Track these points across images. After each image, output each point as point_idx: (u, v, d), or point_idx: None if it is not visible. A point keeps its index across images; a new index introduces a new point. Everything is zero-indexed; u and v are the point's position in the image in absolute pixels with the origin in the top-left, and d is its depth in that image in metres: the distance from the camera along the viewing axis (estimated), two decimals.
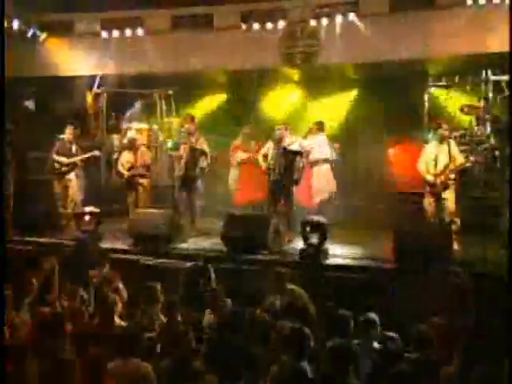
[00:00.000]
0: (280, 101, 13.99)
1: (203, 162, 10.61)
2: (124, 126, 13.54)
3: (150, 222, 9.94)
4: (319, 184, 11.02)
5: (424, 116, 11.77)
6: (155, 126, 13.61)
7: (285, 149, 10.05)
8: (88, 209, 10.35)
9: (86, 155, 11.54)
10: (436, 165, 9.20)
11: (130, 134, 11.90)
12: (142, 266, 9.25)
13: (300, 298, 7.58)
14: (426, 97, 11.81)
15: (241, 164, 12.36)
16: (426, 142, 11.22)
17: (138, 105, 13.85)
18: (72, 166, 11.45)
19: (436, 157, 9.22)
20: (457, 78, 11.48)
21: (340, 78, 13.19)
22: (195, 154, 10.56)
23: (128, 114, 13.83)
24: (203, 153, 10.59)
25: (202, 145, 10.64)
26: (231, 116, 13.91)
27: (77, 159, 11.44)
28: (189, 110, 12.73)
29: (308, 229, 8.80)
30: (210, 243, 9.92)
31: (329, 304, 6.73)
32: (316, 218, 8.92)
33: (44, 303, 7.26)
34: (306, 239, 8.84)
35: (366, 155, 12.74)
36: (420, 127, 11.83)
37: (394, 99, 12.76)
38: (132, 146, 11.43)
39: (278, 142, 10.21)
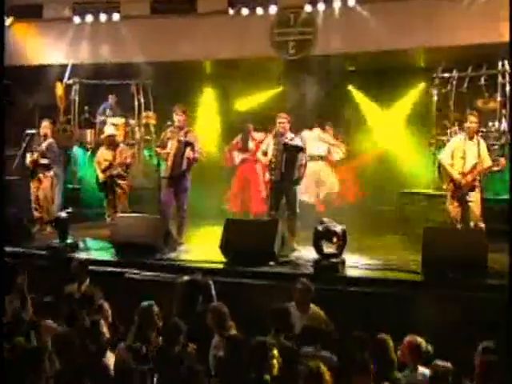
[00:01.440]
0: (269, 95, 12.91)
1: (190, 153, 9.34)
2: (98, 120, 12.29)
3: (135, 229, 8.72)
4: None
5: (432, 112, 10.84)
6: (132, 122, 12.37)
7: (286, 144, 8.94)
8: (63, 213, 9.08)
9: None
10: (465, 163, 8.20)
11: (109, 129, 10.62)
12: (127, 280, 8.05)
13: (318, 318, 6.55)
14: (434, 90, 10.82)
15: (238, 166, 11.29)
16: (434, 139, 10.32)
17: (113, 97, 12.54)
18: (45, 165, 10.22)
19: (464, 153, 8.22)
20: (470, 70, 10.50)
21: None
22: (184, 147, 9.37)
23: (102, 107, 12.52)
24: (190, 144, 9.38)
25: (192, 138, 9.50)
26: (217, 111, 12.80)
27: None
28: (169, 105, 11.47)
29: (323, 236, 7.71)
30: (206, 252, 8.73)
31: (358, 334, 5.60)
32: (332, 224, 7.81)
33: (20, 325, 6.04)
34: (319, 249, 7.74)
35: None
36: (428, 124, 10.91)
37: (396, 93, 11.83)
38: (111, 143, 10.21)
39: (280, 135, 9.10)
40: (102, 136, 10.61)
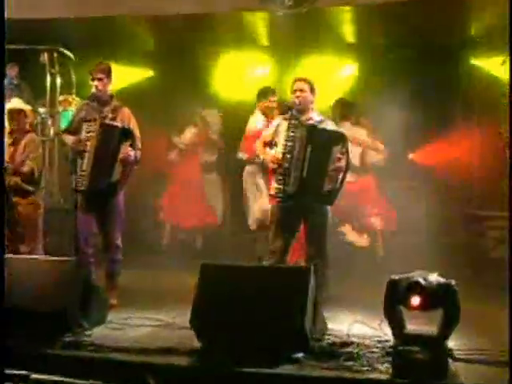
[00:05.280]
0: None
1: (128, 150, 5.41)
2: None
3: (30, 284, 4.56)
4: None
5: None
6: (42, 110, 8.17)
7: (312, 128, 5.01)
8: None
9: None
10: None
11: (14, 101, 6.56)
12: None
13: None
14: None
15: None
16: None
17: (13, 68, 8.34)
18: None
19: None
20: None
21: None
22: (113, 136, 5.37)
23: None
24: (126, 132, 5.38)
25: (126, 120, 5.59)
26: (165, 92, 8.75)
27: None
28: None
29: (405, 297, 3.79)
30: (163, 329, 4.67)
31: None
32: (421, 274, 3.83)
33: None
34: (397, 324, 3.80)
35: None
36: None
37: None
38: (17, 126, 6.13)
39: (298, 113, 5.15)
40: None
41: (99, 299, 4.82)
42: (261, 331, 4.01)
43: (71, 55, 8.34)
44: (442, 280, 3.91)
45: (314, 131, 4.99)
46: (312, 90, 5.25)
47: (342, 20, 8.00)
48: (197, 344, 4.15)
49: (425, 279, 3.83)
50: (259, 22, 8.18)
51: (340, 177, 5.00)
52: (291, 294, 4.10)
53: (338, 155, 4.95)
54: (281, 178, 4.92)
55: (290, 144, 4.97)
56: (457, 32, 7.94)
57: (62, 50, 8.24)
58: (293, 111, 5.09)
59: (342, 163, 4.97)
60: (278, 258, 5.05)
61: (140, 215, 8.42)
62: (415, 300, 3.82)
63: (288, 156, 4.95)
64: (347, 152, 4.99)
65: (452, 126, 8.08)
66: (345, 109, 7.32)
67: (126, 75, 8.86)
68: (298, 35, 8.05)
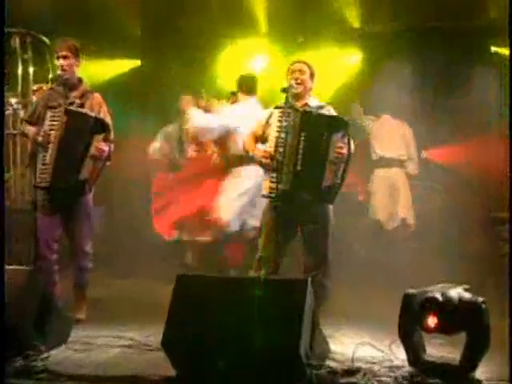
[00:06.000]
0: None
1: (101, 143, 4.70)
2: None
3: None
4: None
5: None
6: (13, 100, 7.44)
7: (306, 113, 4.33)
8: None
9: None
10: None
11: None
12: None
13: None
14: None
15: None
16: None
17: None
18: None
19: None
20: None
21: None
22: (83, 127, 4.65)
23: None
24: (102, 125, 4.70)
25: (96, 106, 4.88)
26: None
27: None
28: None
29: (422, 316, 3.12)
30: (133, 351, 3.96)
31: None
32: (449, 293, 3.14)
33: None
34: (415, 351, 3.13)
35: None
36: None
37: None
38: None
39: (294, 100, 4.46)
40: None
41: (60, 315, 4.10)
42: (246, 358, 3.30)
43: (46, 40, 7.61)
44: (466, 296, 3.22)
45: (309, 117, 4.28)
46: (311, 76, 4.57)
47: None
48: (171, 371, 3.46)
49: (443, 295, 3.15)
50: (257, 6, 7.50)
51: (341, 169, 4.29)
52: (283, 311, 3.39)
53: (339, 144, 4.25)
54: (274, 174, 4.20)
55: (283, 135, 4.25)
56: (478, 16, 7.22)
57: (35, 33, 7.52)
58: (288, 98, 4.37)
59: (344, 151, 4.26)
60: (268, 268, 4.32)
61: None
62: (432, 321, 3.16)
63: (281, 149, 4.24)
64: (349, 140, 4.28)
65: (475, 125, 7.29)
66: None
67: (109, 65, 8.22)
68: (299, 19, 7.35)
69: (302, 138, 4.22)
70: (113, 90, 7.39)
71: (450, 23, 7.34)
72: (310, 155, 4.23)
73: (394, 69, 6.61)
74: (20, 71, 7.47)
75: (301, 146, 4.22)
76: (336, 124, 4.29)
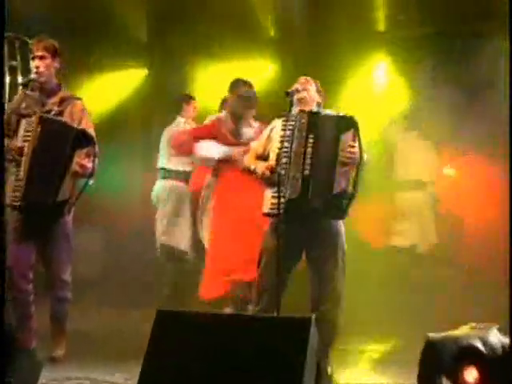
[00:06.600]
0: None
1: (84, 161, 4.18)
2: None
3: None
4: None
5: None
6: None
7: (313, 114, 3.85)
8: None
9: None
10: None
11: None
12: None
13: None
14: None
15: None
16: None
17: None
18: None
19: None
20: None
21: None
22: (62, 139, 4.14)
23: None
24: (85, 138, 4.17)
25: (77, 115, 4.33)
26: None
27: None
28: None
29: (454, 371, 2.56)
30: None
31: None
32: (490, 338, 2.57)
33: None
34: None
35: None
36: None
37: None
38: None
39: (300, 106, 3.94)
40: None
41: (28, 359, 3.54)
42: None
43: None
44: (506, 341, 2.64)
45: (316, 118, 3.82)
46: (318, 91, 4.08)
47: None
48: None
49: (485, 343, 2.56)
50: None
51: (353, 173, 3.74)
52: (282, 356, 2.80)
53: (350, 143, 3.74)
54: (276, 189, 3.65)
55: (286, 145, 3.74)
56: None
57: (25, 38, 7.05)
58: (292, 102, 3.87)
59: (355, 151, 3.73)
60: (268, 300, 3.74)
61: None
62: (471, 374, 2.56)
63: (284, 159, 3.72)
64: (360, 142, 3.75)
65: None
66: None
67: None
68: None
69: (310, 141, 3.74)
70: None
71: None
72: (319, 158, 3.75)
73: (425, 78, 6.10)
74: (7, 79, 7.05)
75: (309, 150, 3.73)
76: (345, 123, 3.79)
